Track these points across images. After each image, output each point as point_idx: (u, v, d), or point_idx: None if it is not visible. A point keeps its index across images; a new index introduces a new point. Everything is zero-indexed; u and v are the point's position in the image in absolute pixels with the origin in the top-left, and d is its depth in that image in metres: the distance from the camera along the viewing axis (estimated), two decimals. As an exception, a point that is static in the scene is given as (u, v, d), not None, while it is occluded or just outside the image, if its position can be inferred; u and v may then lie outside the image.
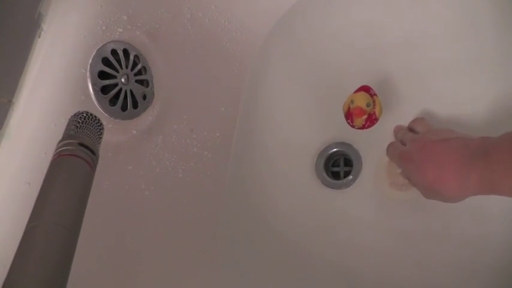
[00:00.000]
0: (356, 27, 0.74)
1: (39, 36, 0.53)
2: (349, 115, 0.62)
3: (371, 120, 0.61)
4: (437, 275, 0.64)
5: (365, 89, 0.62)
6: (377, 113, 0.61)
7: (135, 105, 0.60)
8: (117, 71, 0.58)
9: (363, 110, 0.60)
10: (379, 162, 0.68)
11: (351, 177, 0.69)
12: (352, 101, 0.61)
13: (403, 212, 0.67)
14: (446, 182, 0.50)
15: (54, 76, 0.53)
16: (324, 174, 0.72)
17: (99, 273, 0.57)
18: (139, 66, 0.60)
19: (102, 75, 0.56)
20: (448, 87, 0.66)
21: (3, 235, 0.48)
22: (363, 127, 0.62)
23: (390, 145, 0.61)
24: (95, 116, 0.43)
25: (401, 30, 0.70)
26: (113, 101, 0.57)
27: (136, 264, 0.61)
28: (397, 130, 0.64)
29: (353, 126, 0.63)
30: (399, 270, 0.66)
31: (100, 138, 0.43)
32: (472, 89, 0.64)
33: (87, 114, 0.43)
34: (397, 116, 0.66)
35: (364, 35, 0.73)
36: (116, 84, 0.58)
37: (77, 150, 0.39)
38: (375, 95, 0.62)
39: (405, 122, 0.64)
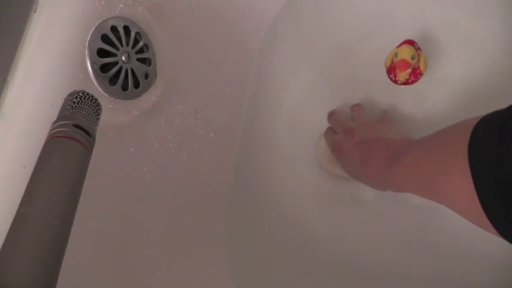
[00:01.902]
0: (365, 7, 0.71)
1: (34, 11, 0.50)
2: (391, 69, 0.59)
3: (415, 74, 0.59)
4: (445, 264, 0.63)
5: (409, 42, 0.59)
6: (422, 67, 0.58)
7: (136, 84, 0.57)
8: (118, 49, 0.55)
9: (408, 62, 0.57)
10: (319, 141, 0.70)
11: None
12: (396, 54, 0.58)
13: (413, 203, 0.66)
14: (370, 179, 0.56)
15: (51, 53, 0.51)
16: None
17: (98, 259, 0.56)
18: (141, 44, 0.58)
19: (102, 53, 0.54)
20: (458, 66, 0.64)
21: (-1, 219, 0.46)
22: (406, 82, 0.59)
23: (326, 131, 0.67)
24: (92, 96, 0.41)
25: (411, 8, 0.67)
26: (113, 80, 0.55)
27: (138, 250, 0.60)
28: (331, 115, 0.68)
29: (396, 82, 0.60)
30: (408, 260, 0.65)
31: (97, 119, 0.41)
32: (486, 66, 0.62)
33: (83, 94, 0.40)
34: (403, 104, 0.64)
35: (374, 14, 0.70)
36: (116, 63, 0.55)
37: (72, 132, 0.37)
38: (419, 49, 0.59)
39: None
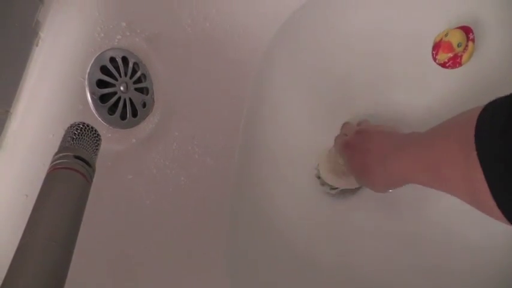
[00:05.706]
0: (360, 32, 0.73)
1: (36, 45, 0.52)
2: (437, 46, 0.60)
3: (454, 61, 0.59)
4: (442, 281, 0.63)
5: (465, 29, 0.58)
6: (464, 57, 0.58)
7: (134, 113, 0.59)
8: (116, 79, 0.57)
9: (452, 47, 0.57)
10: (320, 155, 0.71)
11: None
12: (446, 34, 0.58)
13: (408, 219, 0.66)
14: (372, 171, 0.55)
15: (52, 85, 0.52)
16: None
17: (101, 283, 0.56)
18: (138, 74, 0.60)
19: (101, 83, 0.55)
20: (452, 90, 0.64)
21: (1, 248, 0.47)
22: (443, 64, 0.60)
23: (338, 136, 0.66)
24: (92, 127, 0.42)
25: (405, 34, 0.69)
26: (112, 109, 0.56)
27: (139, 276, 0.60)
28: (344, 125, 0.68)
29: (434, 59, 0.60)
30: (403, 276, 0.65)
31: (97, 149, 0.42)
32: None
33: (83, 125, 0.42)
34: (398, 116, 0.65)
35: (369, 39, 0.72)
36: (114, 93, 0.57)
37: (73, 163, 0.38)
38: (472, 40, 0.58)
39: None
